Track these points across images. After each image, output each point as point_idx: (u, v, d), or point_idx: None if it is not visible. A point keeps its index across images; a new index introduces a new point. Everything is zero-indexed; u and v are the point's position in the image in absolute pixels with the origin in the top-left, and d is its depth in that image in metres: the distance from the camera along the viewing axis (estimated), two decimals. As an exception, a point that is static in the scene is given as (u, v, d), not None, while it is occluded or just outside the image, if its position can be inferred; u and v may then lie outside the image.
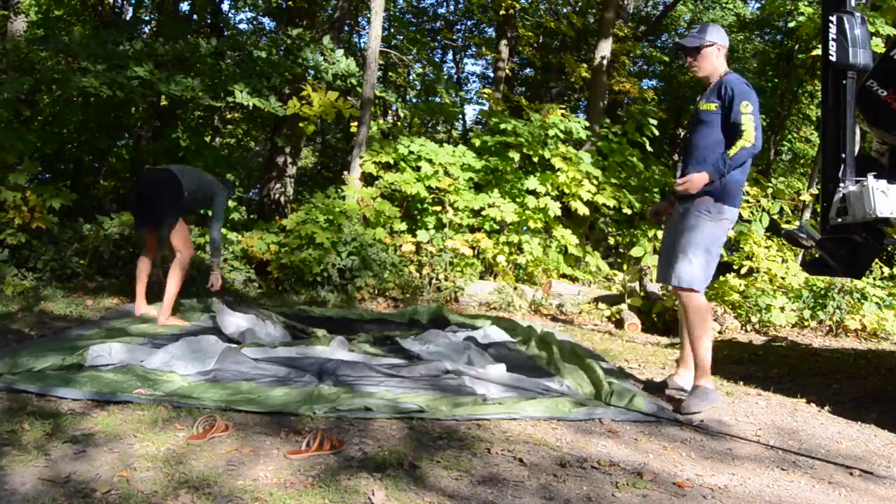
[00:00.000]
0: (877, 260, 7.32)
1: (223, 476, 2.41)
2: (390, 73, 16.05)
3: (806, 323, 6.57)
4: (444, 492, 2.41)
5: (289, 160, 10.92)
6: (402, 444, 2.83)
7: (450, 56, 20.41)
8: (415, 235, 7.67)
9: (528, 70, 19.32)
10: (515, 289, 7.19)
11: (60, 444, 2.61)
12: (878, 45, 6.96)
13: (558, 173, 8.15)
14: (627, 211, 8.78)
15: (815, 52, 9.67)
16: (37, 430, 2.72)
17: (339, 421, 3.05)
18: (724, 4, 17.84)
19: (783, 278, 7.05)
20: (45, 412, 2.91)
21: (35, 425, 2.76)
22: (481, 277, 7.64)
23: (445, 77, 16.40)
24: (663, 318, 6.45)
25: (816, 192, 8.01)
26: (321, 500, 2.29)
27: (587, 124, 9.26)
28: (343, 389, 3.40)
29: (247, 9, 16.06)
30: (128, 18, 12.92)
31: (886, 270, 7.71)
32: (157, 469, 2.44)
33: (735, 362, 4.95)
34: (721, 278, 7.08)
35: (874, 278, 7.43)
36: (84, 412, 2.96)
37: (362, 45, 15.68)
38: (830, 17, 3.64)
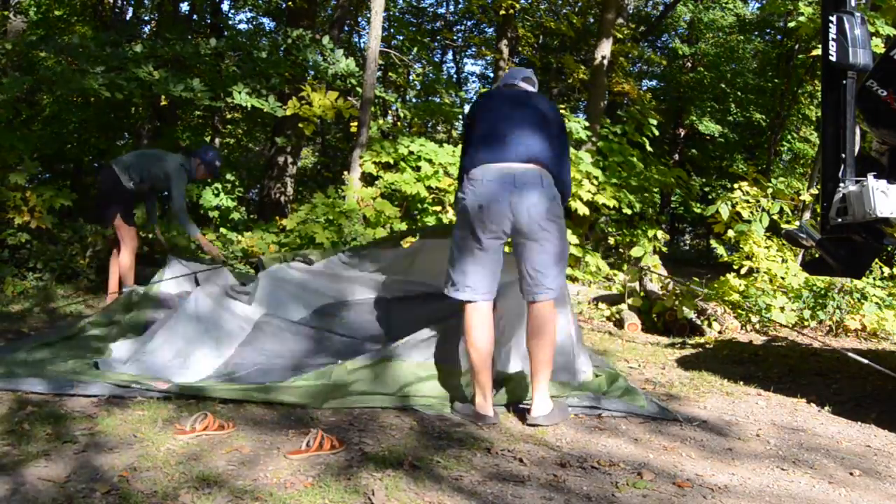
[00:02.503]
0: (877, 260, 7.31)
1: (223, 476, 2.41)
2: (390, 73, 16.03)
3: (806, 323, 6.55)
4: (444, 491, 2.41)
5: (289, 160, 10.92)
6: (403, 443, 2.83)
7: (450, 56, 20.43)
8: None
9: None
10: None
11: (60, 444, 2.61)
12: (878, 45, 6.94)
13: (558, 173, 8.14)
14: (627, 211, 8.76)
15: (815, 52, 9.65)
16: (37, 430, 2.72)
17: (339, 420, 3.06)
18: (724, 4, 17.86)
19: (783, 278, 7.04)
20: (46, 412, 2.91)
21: (35, 425, 2.76)
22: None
23: (445, 77, 16.39)
24: (663, 318, 6.46)
25: (816, 192, 8.00)
26: (321, 500, 2.29)
27: (587, 124, 9.25)
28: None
29: (247, 9, 16.08)
30: (128, 18, 12.92)
31: (886, 270, 7.69)
32: (157, 469, 2.44)
33: (735, 362, 4.95)
34: (721, 278, 7.08)
35: (874, 278, 7.42)
36: (84, 412, 2.96)
37: (362, 45, 15.69)
38: (830, 17, 3.63)
